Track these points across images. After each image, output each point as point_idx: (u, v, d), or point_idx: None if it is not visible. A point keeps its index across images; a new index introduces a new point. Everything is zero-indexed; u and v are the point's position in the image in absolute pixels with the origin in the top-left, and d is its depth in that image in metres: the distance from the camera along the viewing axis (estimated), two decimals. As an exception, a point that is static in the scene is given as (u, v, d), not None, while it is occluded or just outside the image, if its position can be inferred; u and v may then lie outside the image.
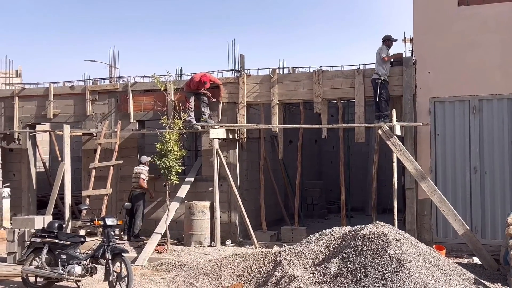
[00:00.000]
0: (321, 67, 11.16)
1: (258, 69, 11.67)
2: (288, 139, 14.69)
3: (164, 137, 10.36)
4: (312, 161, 16.61)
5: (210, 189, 11.22)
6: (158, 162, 10.29)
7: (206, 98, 11.50)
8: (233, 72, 11.76)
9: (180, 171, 10.53)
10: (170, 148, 10.23)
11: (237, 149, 11.62)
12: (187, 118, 11.13)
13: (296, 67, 11.53)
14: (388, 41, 10.49)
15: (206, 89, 11.47)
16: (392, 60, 10.61)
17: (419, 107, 10.32)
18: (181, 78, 12.28)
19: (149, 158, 11.17)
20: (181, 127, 10.72)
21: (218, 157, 11.00)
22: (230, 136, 11.44)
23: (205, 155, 11.80)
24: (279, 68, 11.62)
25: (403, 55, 10.61)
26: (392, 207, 9.65)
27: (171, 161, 10.22)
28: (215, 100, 11.56)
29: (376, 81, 10.22)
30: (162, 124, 10.69)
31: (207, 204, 10.93)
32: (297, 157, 11.75)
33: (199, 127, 11.43)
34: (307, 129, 13.51)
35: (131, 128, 12.31)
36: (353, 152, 15.58)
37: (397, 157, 9.61)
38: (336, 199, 15.64)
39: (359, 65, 10.88)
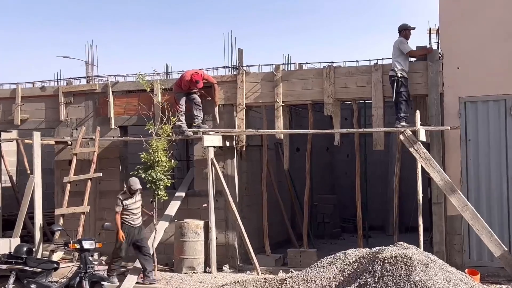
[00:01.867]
0: (333, 62, 11.18)
1: (259, 65, 11.72)
2: (295, 147, 14.69)
3: (150, 146, 10.36)
4: (323, 172, 16.59)
5: (204, 205, 11.20)
6: (143, 175, 10.29)
7: (199, 100, 11.53)
8: (230, 69, 11.78)
9: (169, 185, 10.53)
10: (157, 159, 10.23)
11: (235, 159, 11.62)
12: (177, 123, 11.14)
13: (303, 63, 11.57)
14: (405, 31, 10.49)
15: (198, 89, 11.51)
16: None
17: (447, 109, 10.33)
18: (169, 77, 12.29)
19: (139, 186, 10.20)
20: (170, 134, 10.73)
21: (213, 168, 10.99)
22: (227, 144, 11.45)
23: (198, 166, 11.80)
24: (283, 64, 11.64)
25: (428, 48, 10.62)
26: (417, 225, 9.64)
27: (158, 173, 10.22)
28: (209, 99, 11.57)
29: (392, 78, 10.25)
30: (148, 131, 10.70)
31: (201, 223, 10.92)
32: (305, 167, 11.75)
33: (191, 134, 11.45)
34: (317, 135, 13.47)
35: (112, 135, 12.33)
36: (371, 161, 15.55)
37: (422, 166, 9.61)
38: (351, 216, 15.59)
39: (377, 59, 10.92)
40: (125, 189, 10.17)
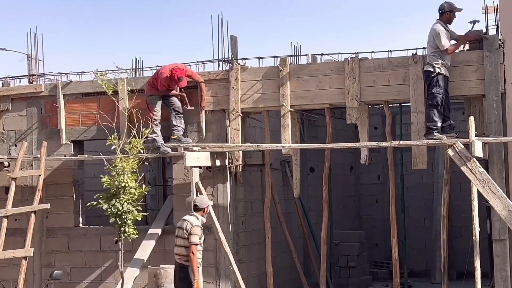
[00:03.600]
0: (357, 53, 11.15)
1: (259, 57, 11.67)
2: (308, 166, 14.64)
3: (114, 167, 10.29)
4: (347, 200, 16.55)
5: (187, 246, 11.15)
6: (105, 206, 10.20)
7: (179, 105, 11.51)
8: (221, 63, 11.76)
9: (140, 219, 10.39)
10: (123, 184, 10.14)
11: (228, 183, 11.58)
12: (150, 135, 11.06)
13: (318, 54, 11.53)
14: (449, 13, 10.45)
15: (180, 89, 11.49)
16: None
17: (511, 114, 10.28)
18: (140, 75, 12.27)
19: (211, 202, 10.03)
20: (141, 150, 10.67)
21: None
22: (218, 163, 11.41)
23: (178, 194, 11.76)
24: (291, 56, 11.62)
25: (484, 33, 10.60)
26: (473, 269, 9.54)
27: (125, 203, 10.12)
28: (192, 108, 11.55)
29: (432, 75, 10.21)
30: (111, 147, 10.65)
31: (183, 270, 10.83)
32: (322, 193, 11.68)
33: (169, 150, 11.41)
34: (338, 150, 13.45)
35: (64, 153, 12.28)
36: (410, 185, 15.50)
37: (478, 191, 9.53)
38: (385, 258, 15.52)
39: (416, 49, 10.89)
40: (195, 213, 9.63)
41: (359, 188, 17.47)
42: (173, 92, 11.45)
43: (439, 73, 10.22)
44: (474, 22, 10.47)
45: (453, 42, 10.57)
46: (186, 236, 9.27)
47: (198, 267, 9.27)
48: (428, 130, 10.28)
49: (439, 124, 10.24)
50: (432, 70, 10.25)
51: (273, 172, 12.25)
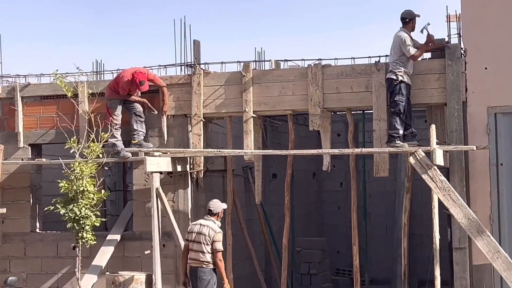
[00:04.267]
0: (321, 59, 11.19)
1: (222, 62, 11.68)
2: (270, 173, 14.64)
3: (72, 171, 10.24)
4: (309, 206, 16.57)
5: (146, 252, 11.12)
6: (62, 211, 10.17)
7: (140, 109, 11.46)
8: (184, 67, 11.75)
9: (98, 224, 10.43)
10: (82, 188, 10.14)
11: (189, 189, 11.56)
12: (110, 140, 11.06)
13: (281, 60, 11.57)
14: (412, 21, 10.52)
15: (141, 93, 11.44)
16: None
17: (472, 122, 10.39)
18: (100, 78, 12.21)
19: (224, 205, 10.03)
20: (101, 155, 10.61)
21: (159, 202, 10.90)
22: (179, 168, 11.39)
23: (138, 199, 11.72)
24: (255, 61, 11.63)
25: (446, 42, 10.70)
26: (433, 278, 9.61)
27: (83, 208, 10.12)
28: (155, 113, 11.50)
29: (395, 82, 10.29)
30: (70, 150, 10.56)
31: (142, 277, 10.79)
32: (284, 200, 11.70)
33: (129, 154, 11.36)
34: (300, 157, 13.48)
35: (21, 156, 12.18)
36: (373, 192, 15.58)
37: (439, 199, 9.62)
38: (346, 266, 15.55)
39: (379, 56, 10.96)
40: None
41: (321, 195, 17.51)
42: (134, 97, 11.38)
43: (401, 81, 10.29)
44: (425, 27, 10.54)
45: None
46: (207, 242, 9.44)
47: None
48: (390, 137, 10.34)
49: (401, 132, 10.31)
50: (394, 78, 10.31)
51: (235, 178, 12.25)
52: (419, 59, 10.59)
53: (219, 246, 9.46)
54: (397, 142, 10.22)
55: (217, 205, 9.76)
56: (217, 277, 9.62)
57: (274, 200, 14.06)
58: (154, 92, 11.59)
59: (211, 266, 9.50)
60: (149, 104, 11.45)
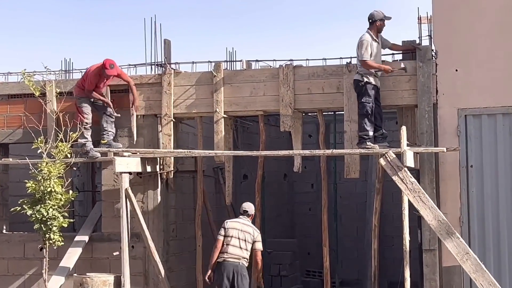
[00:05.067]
0: (292, 60, 11.24)
1: (193, 62, 11.69)
2: (241, 174, 14.64)
3: (40, 171, 10.18)
4: (280, 208, 16.60)
5: (115, 254, 11.08)
6: (29, 212, 10.09)
7: (110, 109, 11.43)
8: (154, 67, 11.72)
9: (66, 225, 10.37)
10: (49, 189, 10.07)
11: (159, 190, 11.54)
12: (79, 140, 11.00)
13: (252, 60, 11.60)
14: (380, 21, 10.49)
15: (110, 93, 11.41)
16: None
17: (443, 124, 10.47)
18: (69, 77, 12.15)
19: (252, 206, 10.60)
20: (69, 155, 10.55)
21: (128, 203, 10.87)
22: (149, 169, 11.36)
23: (107, 200, 11.67)
24: (226, 61, 11.65)
25: (417, 44, 10.79)
26: (403, 279, 9.68)
27: (51, 209, 10.05)
28: (118, 115, 11.43)
29: (360, 84, 10.33)
30: (37, 150, 10.48)
31: (110, 278, 10.74)
32: (255, 201, 11.69)
33: (99, 155, 11.30)
34: (271, 158, 13.49)
35: (-13, 156, 12.06)
36: (343, 194, 15.66)
37: (409, 201, 9.69)
38: (317, 267, 15.61)
39: (350, 58, 10.99)
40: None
41: (292, 196, 17.54)
42: (98, 95, 11.27)
43: (367, 82, 10.32)
44: (404, 68, 10.53)
45: (387, 50, 10.81)
46: (250, 240, 10.05)
47: None
48: (361, 139, 10.38)
49: (370, 133, 10.35)
50: (360, 79, 10.34)
51: (205, 179, 12.23)
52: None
53: (261, 246, 10.19)
54: (367, 143, 10.27)
55: (252, 207, 10.47)
56: (251, 276, 10.45)
57: (245, 201, 14.07)
58: (123, 91, 11.57)
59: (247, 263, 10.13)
60: (111, 106, 11.38)
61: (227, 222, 10.28)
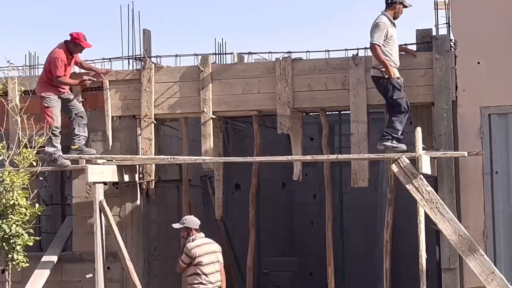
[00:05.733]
0: (290, 52, 11.23)
1: (177, 55, 11.71)
2: (233, 183, 14.62)
3: (1, 182, 10.16)
4: (278, 222, 16.59)
5: (88, 276, 11.11)
6: (-11, 228, 10.07)
7: (82, 109, 11.47)
8: (131, 61, 11.77)
9: (31, 243, 10.30)
10: (12, 202, 10.03)
11: (138, 202, 11.58)
12: (47, 148, 11.02)
13: (245, 53, 11.58)
14: (398, 5, 10.35)
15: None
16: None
17: (463, 125, 10.49)
18: (34, 73, 12.19)
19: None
20: (35, 163, 10.51)
21: (103, 217, 10.85)
22: (127, 178, 11.38)
23: (79, 214, 11.69)
24: (215, 54, 11.67)
25: (433, 33, 10.79)
26: (419, 303, 9.66)
27: (13, 225, 10.01)
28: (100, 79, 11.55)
29: (381, 81, 10.23)
30: (-2, 157, 10.48)
31: (83, 304, 10.73)
32: (248, 214, 11.71)
33: (69, 162, 11.32)
34: (267, 165, 13.47)
35: None
36: (350, 205, 15.63)
37: (425, 213, 9.67)
38: (320, 289, 15.62)
39: (357, 49, 11.01)
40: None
41: (292, 208, 17.56)
42: (72, 80, 11.37)
43: (387, 77, 10.19)
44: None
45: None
46: (219, 259, 9.89)
47: None
48: (386, 135, 10.19)
49: (400, 133, 10.20)
50: (380, 75, 10.21)
51: (192, 189, 12.26)
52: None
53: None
54: (393, 142, 10.12)
55: (196, 220, 10.01)
56: None
57: (237, 215, 14.03)
58: (96, 89, 11.64)
59: None
60: (89, 77, 11.46)
61: (194, 249, 9.73)
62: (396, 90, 10.21)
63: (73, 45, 11.25)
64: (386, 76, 10.17)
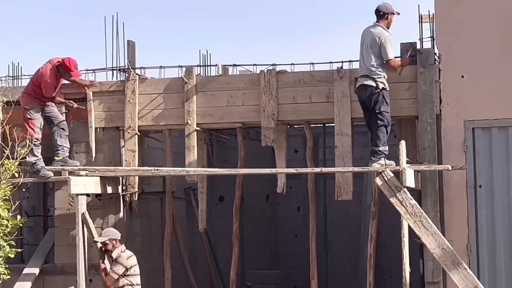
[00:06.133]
0: (275, 65, 11.25)
1: (161, 67, 11.71)
2: (217, 195, 14.60)
3: (-17, 193, 10.08)
4: (262, 234, 16.56)
5: (70, 289, 11.03)
6: (-29, 240, 9.98)
7: (64, 121, 11.44)
8: (115, 72, 11.76)
9: (13, 256, 10.14)
10: (-6, 214, 9.99)
11: (121, 214, 11.55)
12: (29, 159, 10.96)
13: (229, 65, 11.60)
14: (391, 15, 10.33)
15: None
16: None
17: (447, 138, 10.50)
18: (18, 83, 12.22)
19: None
20: (16, 174, 10.44)
21: (85, 229, 10.79)
22: (110, 190, 11.34)
23: (61, 226, 11.66)
24: (199, 66, 11.69)
25: (417, 46, 10.79)
26: (403, 317, 9.65)
27: (-5, 237, 9.94)
28: (83, 107, 11.51)
29: (374, 91, 10.19)
30: (-20, 169, 10.41)
31: (65, 317, 10.67)
32: (232, 227, 11.68)
33: (51, 174, 11.30)
34: (252, 177, 13.45)
35: None
36: (334, 218, 15.61)
37: (409, 226, 9.67)
38: (304, 302, 15.58)
39: (341, 62, 11.05)
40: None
41: (276, 221, 17.53)
42: (59, 99, 11.40)
43: (383, 88, 10.19)
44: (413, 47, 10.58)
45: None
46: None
47: None
48: (376, 154, 10.16)
49: (386, 147, 10.20)
50: (373, 85, 10.13)
51: (175, 202, 12.26)
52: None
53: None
54: (381, 161, 10.09)
55: (117, 232, 10.37)
56: None
57: (221, 227, 13.99)
58: (80, 100, 11.59)
59: None
60: (72, 102, 11.50)
61: (130, 259, 10.06)
62: (385, 103, 10.22)
63: (63, 71, 11.21)
64: (381, 87, 10.19)
